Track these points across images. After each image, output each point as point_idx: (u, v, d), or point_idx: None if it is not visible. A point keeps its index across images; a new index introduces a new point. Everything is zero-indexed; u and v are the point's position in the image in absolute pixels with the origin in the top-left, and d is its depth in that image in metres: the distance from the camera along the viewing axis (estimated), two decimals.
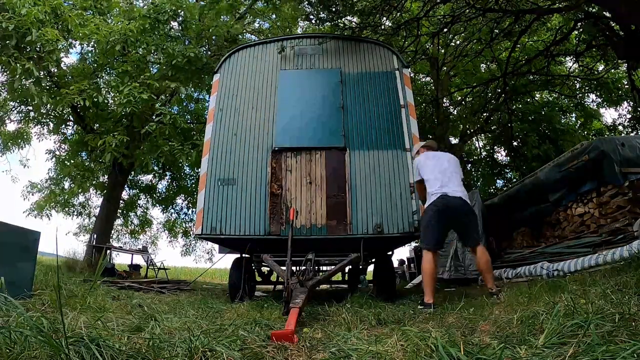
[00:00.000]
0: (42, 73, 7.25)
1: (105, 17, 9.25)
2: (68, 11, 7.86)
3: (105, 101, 7.78)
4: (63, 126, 11.62)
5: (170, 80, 8.27)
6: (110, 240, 11.39)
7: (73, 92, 7.39)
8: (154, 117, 8.61)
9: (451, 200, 3.41)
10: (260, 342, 1.74)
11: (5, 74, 8.30)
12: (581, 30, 7.96)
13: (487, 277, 3.37)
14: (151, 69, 9.28)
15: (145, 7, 8.79)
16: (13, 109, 10.83)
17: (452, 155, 3.92)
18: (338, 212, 4.29)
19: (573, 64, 10.58)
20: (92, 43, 8.32)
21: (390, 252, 5.28)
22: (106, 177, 11.85)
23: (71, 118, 10.52)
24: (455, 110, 12.81)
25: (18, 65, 6.56)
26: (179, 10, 8.51)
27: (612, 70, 10.19)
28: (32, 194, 12.81)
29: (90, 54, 9.35)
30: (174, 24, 9.30)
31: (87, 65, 8.97)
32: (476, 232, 3.58)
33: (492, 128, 12.63)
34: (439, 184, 3.50)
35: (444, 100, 12.84)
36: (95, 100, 7.55)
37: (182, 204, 15.40)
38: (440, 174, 3.56)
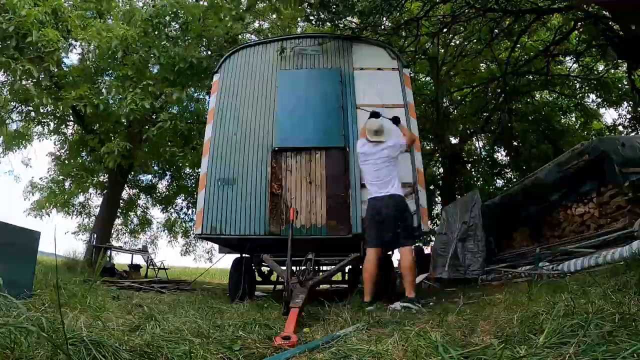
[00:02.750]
0: (42, 74, 7.24)
1: (105, 18, 9.25)
2: (68, 12, 7.85)
3: (106, 102, 7.75)
4: (63, 126, 11.62)
5: (172, 84, 8.27)
6: (110, 239, 11.39)
7: (73, 97, 7.38)
8: (153, 117, 8.62)
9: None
10: (260, 342, 1.74)
11: (5, 74, 8.30)
12: (581, 30, 7.96)
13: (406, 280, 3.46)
14: (151, 69, 9.27)
15: (146, 10, 8.77)
16: (14, 109, 10.83)
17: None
18: (338, 212, 4.29)
19: (573, 64, 10.59)
20: (92, 46, 8.28)
21: (390, 252, 5.28)
22: (106, 176, 11.85)
23: (71, 118, 10.52)
24: (455, 110, 12.81)
25: (18, 66, 6.55)
26: (180, 12, 8.50)
27: (612, 70, 10.18)
28: (33, 194, 12.82)
29: (90, 56, 9.34)
30: (175, 25, 9.30)
31: (88, 66, 8.96)
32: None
33: (492, 128, 12.63)
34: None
35: (444, 100, 12.85)
36: (97, 105, 7.53)
37: (182, 203, 15.42)
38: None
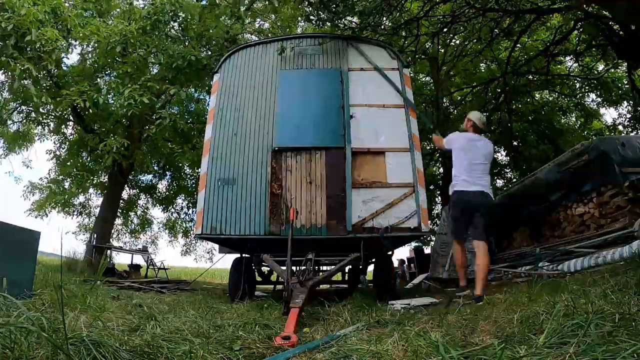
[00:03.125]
0: (41, 73, 7.24)
1: (105, 17, 9.24)
2: (68, 11, 7.85)
3: (106, 102, 7.75)
4: (63, 126, 11.63)
5: (171, 82, 8.26)
6: (111, 240, 11.39)
7: (73, 93, 7.38)
8: (153, 117, 8.62)
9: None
10: (260, 342, 1.74)
11: (5, 74, 8.29)
12: (581, 30, 7.95)
13: (478, 277, 3.52)
14: (151, 69, 9.28)
15: (145, 8, 8.78)
16: (15, 109, 10.83)
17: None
18: (338, 212, 4.30)
19: (573, 63, 10.58)
20: (92, 44, 8.29)
21: (390, 252, 5.28)
22: (106, 177, 11.85)
23: (71, 118, 10.52)
24: (456, 111, 12.80)
25: (17, 65, 6.55)
26: (179, 12, 8.51)
27: (612, 70, 10.18)
28: (33, 194, 12.83)
29: (90, 55, 9.35)
30: (174, 24, 9.30)
31: (88, 67, 8.96)
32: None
33: (492, 128, 12.63)
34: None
35: (444, 100, 12.84)
36: (96, 101, 7.54)
37: (182, 203, 15.41)
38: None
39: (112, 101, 8.02)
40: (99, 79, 7.95)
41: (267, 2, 10.16)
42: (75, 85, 7.66)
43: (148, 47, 8.36)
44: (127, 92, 7.33)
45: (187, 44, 9.23)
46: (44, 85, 7.43)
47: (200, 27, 9.26)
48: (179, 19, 8.67)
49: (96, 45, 8.12)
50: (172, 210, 15.41)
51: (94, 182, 12.21)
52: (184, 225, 15.55)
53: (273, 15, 11.30)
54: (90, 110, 8.13)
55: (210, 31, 9.34)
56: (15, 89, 7.03)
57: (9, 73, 6.96)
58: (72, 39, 8.12)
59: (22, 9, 6.52)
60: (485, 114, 11.76)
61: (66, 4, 8.18)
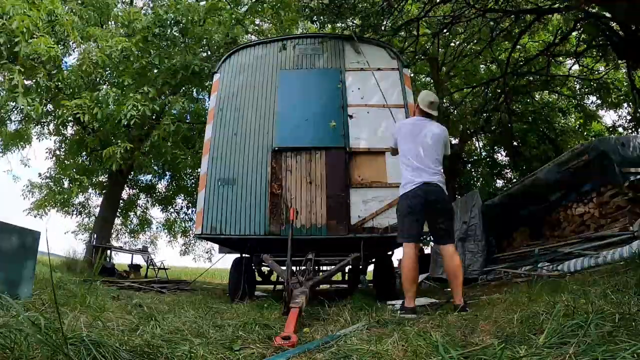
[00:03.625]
0: (36, 81, 7.17)
1: (107, 26, 9.22)
2: (65, 16, 7.79)
3: (105, 115, 7.67)
4: (62, 126, 11.61)
5: (174, 88, 8.26)
6: (110, 240, 11.39)
7: (73, 105, 7.36)
8: (154, 119, 8.62)
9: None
10: (260, 342, 1.74)
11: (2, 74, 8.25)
12: (581, 30, 7.95)
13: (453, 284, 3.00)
14: (153, 74, 9.26)
15: (147, 17, 8.73)
16: (13, 109, 10.83)
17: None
18: (338, 212, 4.29)
19: (573, 64, 10.59)
20: (92, 55, 8.19)
21: (390, 252, 5.28)
22: (106, 177, 11.85)
23: (71, 119, 10.51)
24: (456, 111, 12.80)
25: (7, 78, 6.51)
26: (180, 18, 8.48)
27: (612, 71, 10.18)
28: (32, 194, 12.83)
29: (89, 67, 9.29)
30: (175, 30, 9.28)
31: (87, 80, 8.87)
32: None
33: (492, 128, 12.64)
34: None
35: (444, 101, 12.83)
36: (95, 114, 7.49)
37: (182, 203, 15.42)
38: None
39: (113, 112, 7.95)
40: (98, 92, 7.88)
41: (268, 8, 10.15)
42: (74, 98, 7.64)
43: (150, 55, 8.34)
44: (130, 102, 7.30)
45: (186, 46, 9.20)
46: (37, 96, 7.33)
47: (201, 31, 9.24)
48: (180, 25, 8.64)
49: (96, 57, 8.03)
50: (172, 210, 15.43)
51: (94, 182, 12.21)
52: (183, 225, 15.57)
53: (275, 20, 11.30)
54: (90, 118, 8.06)
55: (211, 35, 9.33)
56: (5, 99, 6.98)
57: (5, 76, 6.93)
58: (71, 41, 8.09)
59: (13, 21, 6.42)
60: (485, 114, 11.82)
61: (65, 10, 8.13)
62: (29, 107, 6.86)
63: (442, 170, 3.11)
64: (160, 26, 8.11)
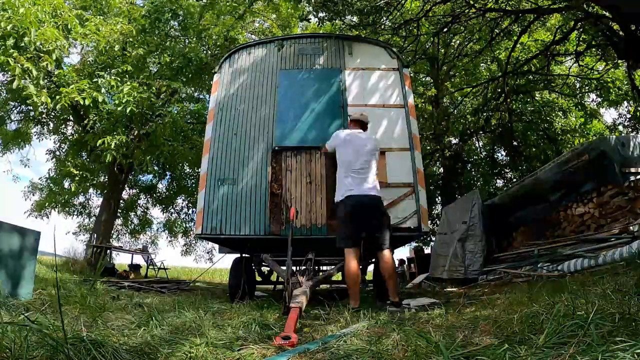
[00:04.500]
0: (41, 73, 7.23)
1: (105, 16, 9.24)
2: (68, 10, 7.85)
3: (105, 101, 7.75)
4: (63, 126, 11.63)
5: (171, 80, 8.27)
6: (111, 240, 11.39)
7: (72, 91, 7.38)
8: (153, 117, 8.62)
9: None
10: (260, 342, 1.74)
11: (4, 74, 8.28)
12: (581, 30, 7.95)
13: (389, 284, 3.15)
14: (151, 68, 9.28)
15: (145, 6, 8.78)
16: (13, 108, 10.83)
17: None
18: None
19: (573, 64, 10.59)
20: (91, 43, 8.28)
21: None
22: (106, 177, 11.85)
23: (71, 118, 10.52)
24: (456, 110, 12.81)
25: (17, 65, 6.55)
26: (179, 11, 8.50)
27: (612, 70, 10.18)
28: (33, 194, 12.84)
29: (89, 54, 9.35)
30: (174, 24, 9.30)
31: (87, 66, 8.95)
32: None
33: (492, 128, 12.64)
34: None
35: (444, 100, 12.85)
36: (96, 100, 7.54)
37: (182, 203, 15.42)
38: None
39: (112, 100, 8.01)
40: (98, 78, 7.92)
41: (266, 3, 10.16)
42: (74, 84, 7.67)
43: (148, 46, 8.36)
44: (126, 89, 7.33)
45: (186, 42, 9.23)
46: (43, 85, 7.41)
47: (200, 26, 9.26)
48: (178, 17, 8.67)
49: (95, 44, 8.11)
50: (172, 210, 15.42)
51: (94, 182, 12.21)
52: (184, 225, 15.57)
53: (274, 15, 11.31)
54: (90, 109, 8.10)
55: (210, 30, 9.35)
56: (15, 89, 7.00)
57: (9, 73, 6.95)
58: (72, 38, 8.12)
59: (21, 8, 6.51)
60: (485, 114, 11.82)
61: (66, 4, 8.18)
62: (35, 95, 6.87)
63: (375, 179, 3.41)
64: (157, 15, 8.12)
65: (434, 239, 10.77)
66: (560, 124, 11.88)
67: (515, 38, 8.43)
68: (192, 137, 10.38)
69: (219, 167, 4.55)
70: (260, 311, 2.91)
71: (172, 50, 8.22)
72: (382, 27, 7.22)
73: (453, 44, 11.21)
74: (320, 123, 4.69)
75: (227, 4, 9.29)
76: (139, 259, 11.33)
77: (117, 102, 7.45)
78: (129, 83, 7.48)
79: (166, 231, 15.81)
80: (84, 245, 11.37)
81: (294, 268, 3.39)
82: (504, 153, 13.88)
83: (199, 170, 5.11)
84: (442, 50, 11.44)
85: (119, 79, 7.85)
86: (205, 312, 2.87)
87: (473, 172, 13.83)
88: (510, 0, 7.27)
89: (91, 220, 13.54)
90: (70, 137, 12.04)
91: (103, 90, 7.62)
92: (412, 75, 9.26)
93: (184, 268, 18.22)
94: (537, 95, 12.13)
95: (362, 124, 3.77)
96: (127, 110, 7.44)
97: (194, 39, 9.32)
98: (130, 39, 8.04)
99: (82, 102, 7.44)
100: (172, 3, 8.35)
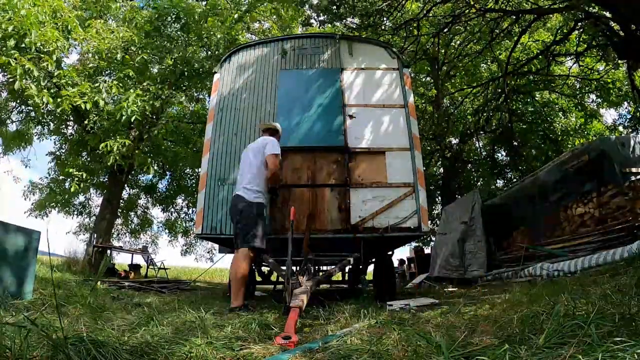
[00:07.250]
0: (42, 73, 7.24)
1: (105, 19, 9.24)
2: (68, 11, 7.85)
3: (106, 104, 7.72)
4: (63, 126, 11.62)
5: (174, 85, 8.28)
6: (111, 239, 11.38)
7: (74, 94, 7.38)
8: (154, 118, 8.62)
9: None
10: (260, 342, 1.74)
11: (5, 74, 8.28)
12: (581, 30, 7.96)
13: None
14: (152, 69, 9.26)
15: (148, 12, 8.75)
16: (14, 109, 10.82)
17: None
18: (338, 211, 4.29)
19: (573, 64, 10.59)
20: (91, 47, 8.24)
21: (390, 252, 5.28)
22: (106, 177, 11.85)
23: (71, 118, 10.51)
24: (456, 110, 12.81)
25: (18, 66, 6.55)
26: (181, 15, 8.49)
27: (612, 71, 10.18)
28: (33, 194, 12.83)
29: (90, 56, 9.34)
30: (176, 26, 9.29)
31: (88, 67, 8.94)
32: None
33: (493, 128, 12.64)
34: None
35: (444, 100, 12.85)
36: (97, 103, 7.52)
37: (182, 203, 15.42)
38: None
39: (113, 104, 7.98)
40: (99, 81, 7.91)
41: (268, 5, 10.16)
42: (75, 86, 7.66)
43: (150, 50, 8.36)
44: (132, 97, 7.30)
45: (187, 45, 9.22)
46: (43, 85, 7.41)
47: (201, 30, 9.25)
48: (181, 21, 8.66)
49: (96, 49, 8.08)
50: (172, 210, 15.42)
51: (94, 182, 12.20)
52: (184, 225, 15.57)
53: (274, 16, 11.30)
54: (90, 111, 8.10)
55: (211, 33, 9.34)
56: (16, 89, 7.01)
57: (9, 73, 6.95)
58: (72, 39, 8.12)
59: (22, 9, 6.52)
60: (485, 114, 11.81)
61: (64, 4, 8.18)
62: (36, 96, 6.87)
63: (253, 183, 3.57)
64: (160, 19, 8.12)
65: (434, 239, 10.77)
66: (560, 124, 11.88)
67: (515, 38, 8.43)
68: (191, 139, 10.38)
69: (219, 167, 4.55)
70: (260, 311, 2.91)
71: (177, 53, 8.21)
72: (383, 28, 7.23)
73: (453, 44, 11.21)
74: (321, 123, 4.69)
75: (230, 7, 9.30)
76: (139, 259, 11.34)
77: (121, 109, 7.40)
78: (132, 91, 7.46)
79: (166, 231, 15.81)
80: (84, 245, 11.36)
81: (294, 268, 3.39)
82: (504, 153, 13.89)
83: (199, 170, 5.11)
84: (443, 51, 11.44)
85: (120, 84, 7.83)
86: (205, 312, 2.87)
87: (473, 172, 13.84)
88: (511, 1, 7.27)
89: (91, 220, 13.54)
90: (71, 137, 12.02)
91: (104, 94, 7.59)
92: (412, 75, 9.26)
93: (184, 268, 18.23)
94: (537, 95, 12.13)
95: (271, 132, 4.01)
96: (132, 119, 7.44)
97: (195, 42, 9.31)
98: (133, 48, 8.04)
99: (83, 107, 7.44)
100: (175, 7, 8.33)
